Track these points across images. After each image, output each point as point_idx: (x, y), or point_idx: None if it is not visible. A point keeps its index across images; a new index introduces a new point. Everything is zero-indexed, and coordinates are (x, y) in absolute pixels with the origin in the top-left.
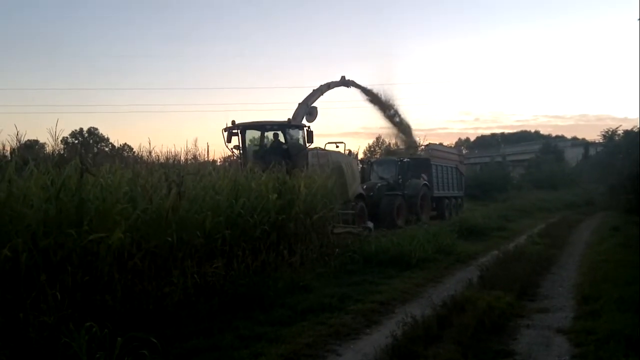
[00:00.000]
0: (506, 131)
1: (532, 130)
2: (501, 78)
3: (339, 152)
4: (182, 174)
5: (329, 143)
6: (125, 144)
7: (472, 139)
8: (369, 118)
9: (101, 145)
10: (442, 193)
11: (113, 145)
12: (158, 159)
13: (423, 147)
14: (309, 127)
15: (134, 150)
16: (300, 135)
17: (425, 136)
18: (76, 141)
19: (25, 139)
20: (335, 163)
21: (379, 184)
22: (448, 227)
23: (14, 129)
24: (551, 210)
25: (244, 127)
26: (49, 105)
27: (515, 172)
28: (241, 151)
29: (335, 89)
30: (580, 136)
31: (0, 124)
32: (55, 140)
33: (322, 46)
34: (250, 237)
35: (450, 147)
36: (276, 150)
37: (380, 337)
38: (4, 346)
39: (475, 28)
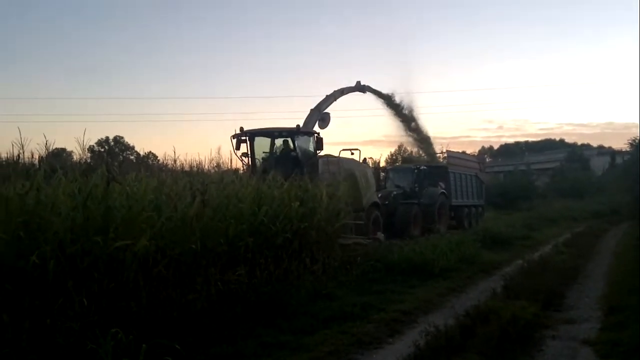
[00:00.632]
0: (530, 139)
1: (557, 139)
2: (525, 86)
3: (352, 160)
4: (205, 182)
5: (343, 150)
6: (150, 152)
7: (495, 147)
8: (391, 126)
9: (127, 154)
10: (461, 202)
11: (138, 154)
12: (182, 168)
13: (441, 154)
14: (318, 133)
15: (158, 158)
16: (311, 142)
17: (448, 144)
18: (102, 149)
19: (53, 147)
20: (348, 171)
21: (395, 193)
22: (471, 237)
23: (43, 137)
24: (577, 219)
25: (251, 134)
26: (75, 114)
27: (540, 180)
28: (249, 159)
29: (350, 94)
30: (606, 144)
31: (29, 132)
32: (83, 148)
33: (338, 53)
34: (272, 244)
35: (473, 155)
36: (285, 158)
37: (402, 346)
38: (32, 351)
39: (497, 35)
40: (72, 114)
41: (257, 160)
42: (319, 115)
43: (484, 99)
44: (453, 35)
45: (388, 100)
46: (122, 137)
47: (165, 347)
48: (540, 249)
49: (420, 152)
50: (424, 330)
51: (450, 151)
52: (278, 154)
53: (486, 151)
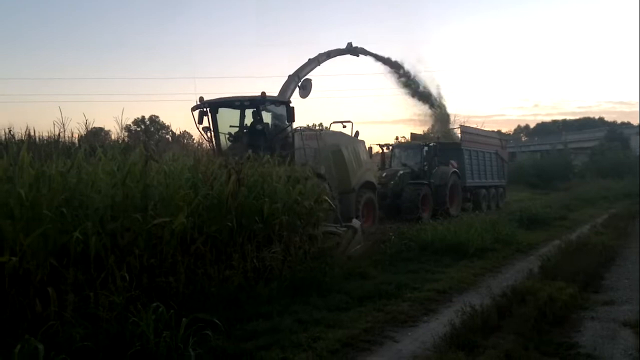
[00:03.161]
0: (568, 118)
1: (596, 117)
2: (562, 62)
3: (339, 133)
4: (241, 160)
5: (334, 122)
6: (185, 131)
7: (531, 125)
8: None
9: (162, 133)
10: (478, 182)
11: (174, 133)
12: None
13: (455, 129)
14: (289, 102)
15: (193, 137)
16: (281, 112)
17: (483, 123)
18: (139, 129)
19: (92, 126)
20: (333, 146)
21: (401, 172)
22: (507, 216)
23: (82, 117)
24: (616, 200)
25: (209, 105)
26: (112, 94)
27: (578, 160)
28: (212, 134)
29: (339, 57)
30: None
31: (69, 112)
32: (121, 128)
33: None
34: (306, 223)
35: (496, 131)
36: (251, 132)
37: (437, 325)
38: (76, 324)
39: (534, 9)
40: (108, 94)
41: (223, 135)
42: (298, 81)
43: (520, 75)
44: (486, 7)
45: (388, 62)
46: (157, 117)
47: (205, 322)
48: (578, 230)
49: (434, 127)
50: (460, 309)
51: (464, 126)
52: (245, 128)
53: (522, 130)
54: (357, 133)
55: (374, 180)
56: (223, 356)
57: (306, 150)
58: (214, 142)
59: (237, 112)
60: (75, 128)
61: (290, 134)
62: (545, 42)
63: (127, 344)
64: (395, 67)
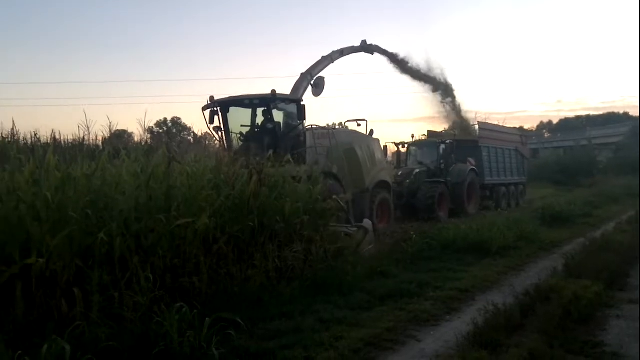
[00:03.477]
0: (591, 113)
1: (620, 112)
2: (586, 57)
3: (353, 132)
4: (262, 161)
5: (349, 121)
6: (207, 133)
7: (554, 122)
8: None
9: (184, 135)
10: (497, 180)
11: (195, 134)
12: None
13: (473, 125)
14: (300, 100)
15: (215, 139)
16: (292, 111)
17: (504, 120)
18: (161, 130)
19: (115, 129)
20: (347, 145)
21: (417, 170)
22: (530, 214)
23: (106, 119)
24: None
25: (220, 104)
26: (134, 96)
27: (602, 156)
28: (223, 133)
29: (353, 56)
30: None
31: (93, 115)
32: (144, 130)
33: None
34: (328, 222)
35: (514, 127)
36: (262, 132)
37: (460, 324)
38: (102, 324)
39: (557, 3)
40: (131, 97)
41: (234, 135)
42: (311, 79)
43: (542, 71)
44: (509, 5)
45: (401, 63)
46: (179, 118)
47: (228, 321)
48: (603, 227)
49: (452, 124)
50: (483, 308)
51: (482, 122)
52: (256, 127)
53: (545, 126)
54: (371, 131)
55: (389, 179)
56: (246, 355)
57: (318, 149)
58: (225, 142)
59: (249, 111)
60: (99, 131)
61: (301, 133)
62: (568, 37)
63: (151, 344)
64: (411, 71)
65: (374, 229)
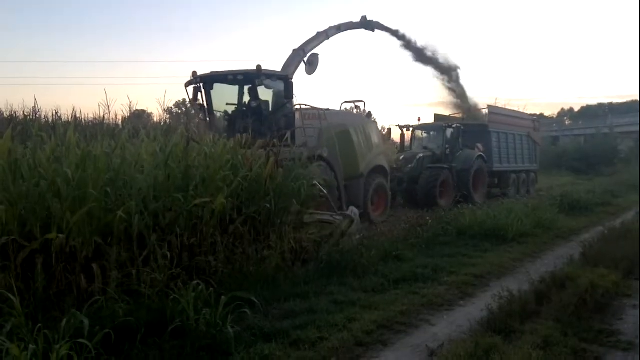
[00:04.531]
0: (614, 100)
1: None
2: (609, 43)
3: (348, 113)
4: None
5: (345, 102)
6: (226, 111)
7: (576, 109)
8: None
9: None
10: (507, 167)
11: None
12: None
13: (482, 110)
14: (287, 76)
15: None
16: (279, 88)
17: (525, 106)
18: (180, 111)
19: (135, 108)
20: (340, 126)
21: (421, 155)
22: (548, 201)
23: (126, 99)
24: None
25: (202, 80)
26: (153, 77)
27: (624, 144)
28: (206, 111)
29: (350, 32)
30: None
31: (114, 95)
32: (163, 110)
33: None
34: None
35: (525, 113)
36: (247, 110)
37: (474, 309)
38: (120, 300)
39: None
40: (150, 77)
41: (218, 114)
42: (304, 56)
43: (564, 57)
44: None
45: (404, 39)
46: (198, 99)
47: (243, 300)
48: (622, 216)
49: (453, 106)
50: (497, 294)
51: (492, 106)
52: (241, 105)
53: (566, 113)
54: (369, 113)
55: (386, 164)
56: (260, 334)
57: (308, 131)
58: (208, 121)
59: (235, 88)
60: (119, 110)
61: (290, 112)
62: (591, 23)
63: (167, 321)
64: (415, 49)
65: (370, 218)
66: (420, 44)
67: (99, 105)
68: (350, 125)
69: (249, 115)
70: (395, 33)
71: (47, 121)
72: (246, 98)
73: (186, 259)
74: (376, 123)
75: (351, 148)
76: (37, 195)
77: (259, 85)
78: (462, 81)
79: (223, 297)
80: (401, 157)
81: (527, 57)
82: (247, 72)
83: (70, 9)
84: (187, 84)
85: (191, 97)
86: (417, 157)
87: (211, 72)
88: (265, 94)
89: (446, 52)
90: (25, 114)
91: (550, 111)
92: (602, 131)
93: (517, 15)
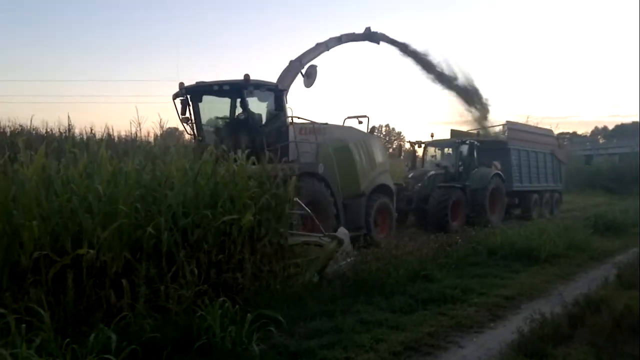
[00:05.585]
0: None
1: None
2: None
3: (349, 128)
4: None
5: (348, 118)
6: (215, 125)
7: (610, 127)
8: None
9: None
10: (528, 186)
11: None
12: None
13: (501, 126)
14: (276, 86)
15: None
16: (269, 100)
17: (557, 125)
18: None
19: (166, 126)
20: (339, 142)
21: (432, 173)
22: (582, 222)
23: (157, 117)
24: None
25: (189, 92)
26: None
27: None
28: (193, 125)
29: (352, 44)
30: None
31: (145, 112)
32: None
33: None
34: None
35: (549, 129)
36: (235, 123)
37: (505, 332)
38: (147, 315)
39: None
40: None
41: (207, 128)
42: (301, 68)
43: (598, 75)
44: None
45: (414, 54)
46: (226, 118)
47: (268, 318)
48: None
49: (469, 118)
50: (529, 316)
51: (511, 122)
52: (231, 119)
53: (599, 132)
54: (372, 129)
55: (391, 183)
56: (286, 353)
57: (303, 145)
58: (195, 136)
59: (226, 100)
60: (150, 127)
61: (283, 126)
62: (625, 41)
63: (194, 337)
64: (424, 62)
65: (373, 239)
66: (436, 59)
67: (131, 123)
68: (350, 141)
69: (236, 129)
70: (403, 47)
71: (80, 138)
72: (238, 111)
73: (213, 276)
74: (380, 139)
75: (351, 165)
76: (69, 210)
77: (248, 97)
78: (485, 99)
79: (249, 314)
80: (410, 175)
81: (561, 76)
82: (233, 82)
83: (98, 29)
84: (175, 97)
85: (179, 110)
86: (428, 175)
87: (196, 83)
88: (259, 106)
89: (467, 71)
90: (61, 131)
91: (584, 129)
92: (636, 150)
93: (552, 35)
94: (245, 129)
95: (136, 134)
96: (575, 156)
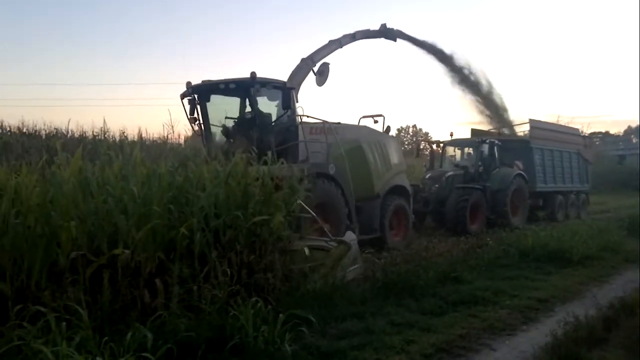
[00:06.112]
0: None
1: None
2: None
3: (363, 128)
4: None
5: (364, 117)
6: (224, 125)
7: None
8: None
9: None
10: (553, 187)
11: None
12: None
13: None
14: (284, 84)
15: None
16: (278, 98)
17: (589, 124)
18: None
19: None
20: (352, 142)
21: (450, 173)
22: (615, 223)
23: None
24: None
25: (196, 91)
26: None
27: None
28: (201, 124)
29: (366, 41)
30: None
31: (178, 115)
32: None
33: None
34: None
35: (575, 128)
36: (242, 123)
37: (538, 335)
38: (181, 314)
39: None
40: None
41: (216, 128)
42: (313, 65)
43: (630, 73)
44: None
45: (432, 49)
46: (233, 117)
47: (300, 319)
48: None
49: (487, 119)
50: (562, 319)
51: (534, 120)
52: (239, 118)
53: (633, 131)
54: (388, 128)
55: (407, 185)
56: (317, 353)
57: (313, 145)
58: (203, 136)
59: (234, 99)
60: (182, 130)
61: (292, 125)
62: None
63: (227, 337)
64: (441, 57)
65: (389, 243)
66: (460, 60)
67: (163, 126)
68: (364, 141)
69: (244, 128)
70: (421, 44)
71: (114, 141)
72: (248, 110)
73: (245, 276)
74: (396, 139)
75: (364, 165)
76: (105, 211)
77: (255, 95)
78: (504, 97)
79: (281, 315)
80: (427, 176)
81: (592, 74)
82: (239, 80)
83: (130, 31)
84: (183, 96)
85: (188, 110)
86: (446, 175)
87: (202, 82)
88: (269, 105)
89: (483, 70)
90: (95, 134)
91: (616, 129)
92: None
93: (585, 34)
94: (252, 128)
95: (167, 136)
96: (607, 156)
